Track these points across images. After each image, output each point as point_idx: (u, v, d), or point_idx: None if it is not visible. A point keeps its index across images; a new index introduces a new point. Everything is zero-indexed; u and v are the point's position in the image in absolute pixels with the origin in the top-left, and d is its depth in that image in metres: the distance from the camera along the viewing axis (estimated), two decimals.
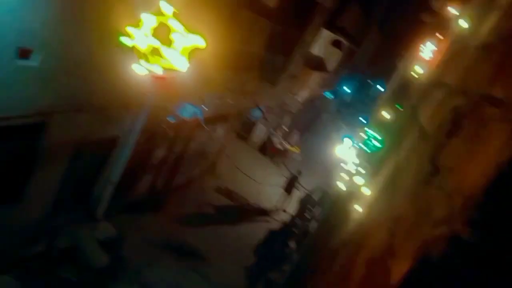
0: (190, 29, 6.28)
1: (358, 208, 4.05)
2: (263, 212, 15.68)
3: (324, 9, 15.52)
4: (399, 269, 1.48)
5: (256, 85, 12.92)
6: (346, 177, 9.13)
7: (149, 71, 6.28)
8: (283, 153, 22.08)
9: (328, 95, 29.41)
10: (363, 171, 7.17)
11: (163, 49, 6.19)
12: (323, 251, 5.52)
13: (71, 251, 8.46)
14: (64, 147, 7.31)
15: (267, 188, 17.62)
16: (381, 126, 8.77)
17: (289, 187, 16.54)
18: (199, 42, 6.29)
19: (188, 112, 9.64)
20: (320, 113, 31.92)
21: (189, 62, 6.50)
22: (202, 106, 9.68)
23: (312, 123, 30.71)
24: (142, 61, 6.15)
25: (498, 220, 1.35)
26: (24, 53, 5.29)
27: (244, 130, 21.61)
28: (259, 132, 22.20)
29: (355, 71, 34.23)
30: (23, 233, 7.63)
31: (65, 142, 7.24)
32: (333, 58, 24.82)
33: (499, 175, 1.36)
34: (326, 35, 21.51)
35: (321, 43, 21.92)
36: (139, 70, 6.21)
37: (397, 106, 8.19)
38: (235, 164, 17.72)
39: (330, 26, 20.79)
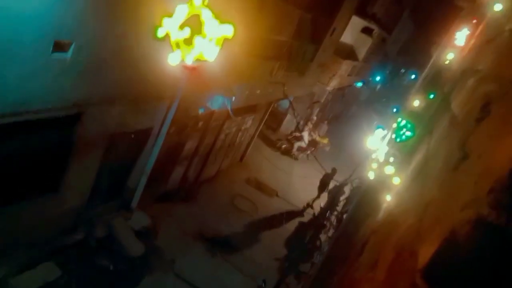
0: (220, 19, 6.33)
1: (388, 197, 4.01)
2: (294, 204, 15.65)
3: None
4: (426, 252, 1.49)
5: (284, 74, 12.86)
6: (376, 167, 9.00)
7: (182, 61, 6.39)
8: (312, 144, 21.88)
9: (359, 84, 28.94)
10: (393, 161, 7.07)
11: (195, 39, 6.29)
12: (353, 241, 5.51)
13: (108, 240, 8.77)
14: (99, 138, 7.53)
15: (297, 179, 17.60)
16: (413, 115, 8.60)
17: (323, 186, 15.76)
18: (227, 31, 6.33)
19: (217, 103, 9.72)
20: (350, 102, 31.50)
21: (219, 52, 6.56)
22: (231, 97, 9.73)
23: (341, 113, 30.37)
24: (176, 51, 6.28)
25: None
26: (59, 46, 5.42)
27: (273, 121, 21.55)
28: (288, 123, 22.12)
29: (386, 60, 33.51)
30: (62, 222, 7.97)
31: (100, 134, 7.46)
32: (363, 46, 24.38)
33: None
34: (356, 22, 21.13)
35: (352, 31, 21.55)
36: (172, 60, 6.34)
37: (429, 94, 8.00)
38: (264, 155, 17.79)
39: (361, 13, 20.41)
